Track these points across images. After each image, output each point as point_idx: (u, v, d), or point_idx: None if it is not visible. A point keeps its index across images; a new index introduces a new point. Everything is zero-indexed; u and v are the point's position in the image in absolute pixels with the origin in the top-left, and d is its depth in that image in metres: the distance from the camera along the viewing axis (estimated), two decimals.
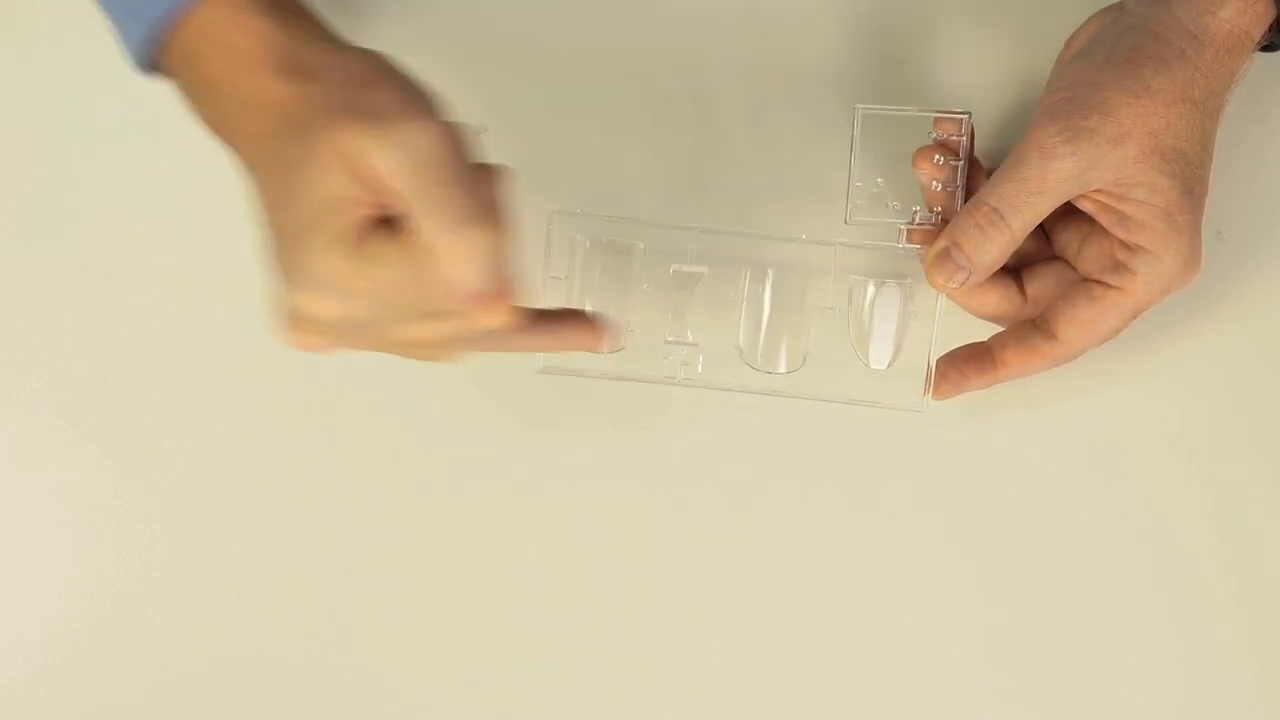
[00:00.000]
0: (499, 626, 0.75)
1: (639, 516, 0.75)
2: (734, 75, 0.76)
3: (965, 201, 0.70)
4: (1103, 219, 0.68)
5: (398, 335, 0.59)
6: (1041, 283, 0.71)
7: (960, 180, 0.70)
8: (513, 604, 0.75)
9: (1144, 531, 0.75)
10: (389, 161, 0.55)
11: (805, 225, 0.73)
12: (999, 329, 0.72)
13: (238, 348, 0.75)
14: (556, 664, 0.75)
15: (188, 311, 0.76)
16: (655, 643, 0.75)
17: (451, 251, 0.56)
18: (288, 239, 0.57)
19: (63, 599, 0.76)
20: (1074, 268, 0.71)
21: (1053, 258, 0.72)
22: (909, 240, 0.71)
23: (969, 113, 0.70)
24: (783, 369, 0.73)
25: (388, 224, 0.57)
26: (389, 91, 0.57)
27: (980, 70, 0.76)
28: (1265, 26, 0.67)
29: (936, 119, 0.71)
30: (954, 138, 0.70)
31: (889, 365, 0.73)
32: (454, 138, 0.56)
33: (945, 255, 0.69)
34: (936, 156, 0.70)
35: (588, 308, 0.71)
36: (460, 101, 0.59)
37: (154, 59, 0.60)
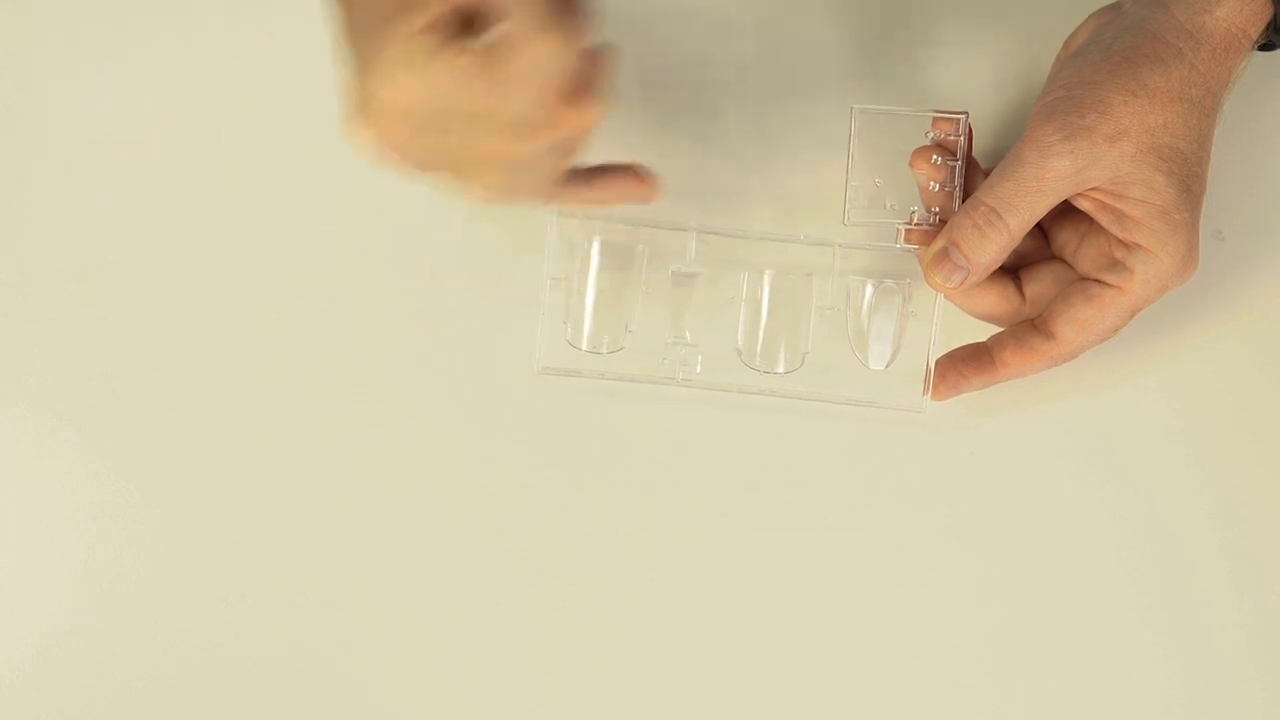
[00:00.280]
0: (498, 627, 0.75)
1: (637, 517, 0.75)
2: (732, 77, 0.76)
3: (963, 202, 0.70)
4: (1100, 218, 0.68)
5: (467, 141, 0.58)
6: (1040, 283, 0.71)
7: (958, 180, 0.70)
8: (512, 605, 0.75)
9: (1143, 531, 0.75)
10: None
11: (803, 226, 0.73)
12: (997, 330, 0.72)
13: (238, 348, 0.76)
14: (557, 666, 0.75)
15: (188, 311, 0.76)
16: (655, 643, 0.75)
17: (539, 43, 0.55)
18: (370, 26, 0.56)
19: (62, 599, 0.76)
20: (1072, 267, 0.71)
21: (1051, 258, 0.72)
22: (907, 240, 0.71)
23: (966, 112, 0.70)
24: (781, 369, 0.73)
25: (470, 25, 0.56)
26: None
27: (978, 70, 0.76)
28: (1262, 25, 0.67)
29: (934, 119, 0.71)
30: (951, 138, 0.71)
31: (888, 366, 0.73)
32: None
33: (943, 255, 0.69)
34: (934, 157, 0.70)
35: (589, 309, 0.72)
36: None
37: None
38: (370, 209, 0.76)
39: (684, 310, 0.73)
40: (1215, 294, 0.75)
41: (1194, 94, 0.66)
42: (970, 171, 0.71)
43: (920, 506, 0.75)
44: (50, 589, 0.76)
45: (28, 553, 0.76)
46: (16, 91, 0.77)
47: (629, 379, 0.73)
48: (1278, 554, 0.75)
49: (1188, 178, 0.67)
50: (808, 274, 0.73)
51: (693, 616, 0.75)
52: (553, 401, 0.75)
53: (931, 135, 0.71)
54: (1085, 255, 0.70)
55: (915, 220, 0.72)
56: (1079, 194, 0.68)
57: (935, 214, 0.71)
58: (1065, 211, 0.69)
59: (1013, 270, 0.72)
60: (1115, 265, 0.68)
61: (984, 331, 0.72)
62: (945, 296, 0.71)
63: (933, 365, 0.72)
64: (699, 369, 0.74)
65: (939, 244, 0.69)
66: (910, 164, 0.71)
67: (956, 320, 0.72)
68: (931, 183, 0.71)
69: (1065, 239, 0.71)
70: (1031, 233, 0.69)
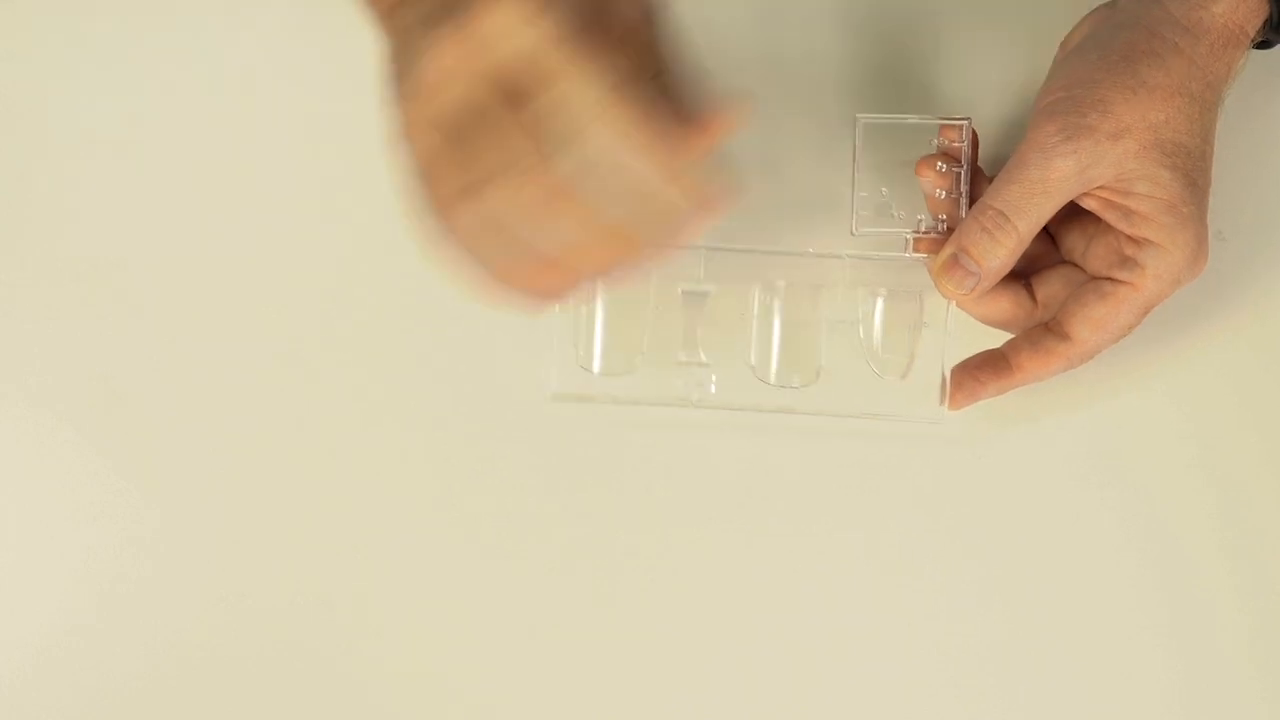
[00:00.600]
0: (501, 632, 0.74)
1: (655, 534, 0.75)
2: (734, 89, 0.76)
3: (970, 207, 0.70)
4: (1107, 216, 0.68)
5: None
6: (1050, 286, 0.71)
7: (964, 187, 0.71)
8: (516, 610, 0.75)
9: (1150, 534, 0.74)
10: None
11: (812, 239, 0.73)
12: (1009, 338, 0.72)
13: (238, 348, 0.76)
14: (560, 673, 0.74)
15: (188, 311, 0.76)
16: (671, 656, 0.74)
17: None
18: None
19: (62, 599, 0.75)
20: (1082, 269, 0.71)
21: (1060, 262, 0.72)
22: (916, 249, 0.71)
23: (969, 118, 0.71)
24: (796, 384, 0.73)
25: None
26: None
27: (981, 76, 0.76)
28: (1259, 22, 0.68)
29: (939, 126, 0.71)
30: (956, 144, 0.71)
31: (903, 376, 0.72)
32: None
33: (953, 262, 0.69)
34: (939, 164, 0.70)
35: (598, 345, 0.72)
36: None
37: None
38: (370, 209, 0.75)
39: (695, 330, 0.73)
40: (1218, 296, 0.75)
41: (1194, 88, 0.67)
42: (976, 178, 0.71)
43: (927, 511, 0.75)
44: (50, 589, 0.75)
45: (28, 553, 0.75)
46: (16, 91, 0.77)
47: (643, 403, 0.73)
48: None
49: (1192, 171, 0.67)
50: (818, 287, 0.73)
51: (714, 634, 0.74)
52: (562, 418, 0.75)
53: (936, 142, 0.71)
54: (1095, 255, 0.70)
55: (923, 228, 0.72)
56: (1084, 193, 0.68)
57: (943, 221, 0.71)
58: (1071, 214, 0.69)
59: (1023, 276, 0.72)
60: (1126, 262, 0.68)
61: (996, 340, 0.72)
62: (957, 304, 0.71)
63: (948, 374, 0.72)
64: (713, 388, 0.73)
65: (948, 251, 0.69)
66: (916, 172, 0.71)
67: (968, 329, 0.72)
68: (938, 190, 0.71)
69: (1073, 241, 0.71)
70: (1039, 237, 0.69)
